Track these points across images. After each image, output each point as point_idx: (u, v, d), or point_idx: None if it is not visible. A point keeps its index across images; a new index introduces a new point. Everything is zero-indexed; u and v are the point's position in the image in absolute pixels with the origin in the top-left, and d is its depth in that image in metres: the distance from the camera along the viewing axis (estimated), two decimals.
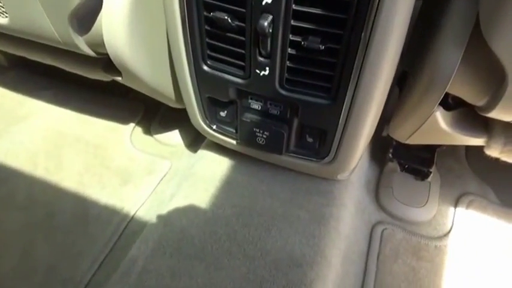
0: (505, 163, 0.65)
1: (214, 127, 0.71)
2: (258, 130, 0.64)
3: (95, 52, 0.65)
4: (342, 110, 0.55)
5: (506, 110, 0.48)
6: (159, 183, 0.91)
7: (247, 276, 0.64)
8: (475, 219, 0.84)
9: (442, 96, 0.50)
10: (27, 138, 1.02)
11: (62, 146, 0.99)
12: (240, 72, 0.57)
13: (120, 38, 0.59)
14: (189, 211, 0.73)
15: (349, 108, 0.54)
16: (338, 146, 0.62)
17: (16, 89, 1.17)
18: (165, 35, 0.61)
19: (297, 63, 0.52)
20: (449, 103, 0.59)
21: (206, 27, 0.54)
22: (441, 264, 0.77)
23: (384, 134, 0.84)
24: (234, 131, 0.69)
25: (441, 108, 0.55)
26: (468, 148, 0.96)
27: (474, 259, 0.78)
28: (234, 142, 0.72)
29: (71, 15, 0.56)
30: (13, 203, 0.87)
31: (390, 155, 0.88)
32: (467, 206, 0.86)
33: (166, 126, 1.03)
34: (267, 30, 0.47)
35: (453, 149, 0.97)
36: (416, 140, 0.67)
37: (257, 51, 0.52)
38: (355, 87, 0.51)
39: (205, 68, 0.59)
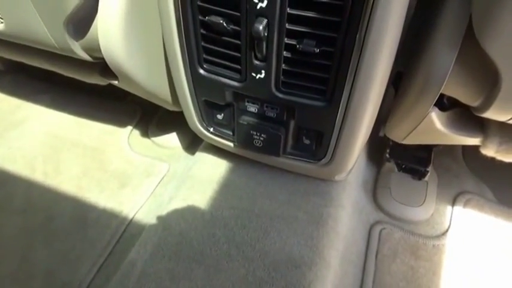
0: (502, 162, 0.65)
1: (211, 130, 0.72)
2: (255, 132, 0.64)
3: (91, 57, 0.65)
4: (338, 112, 0.55)
5: (500, 110, 0.48)
6: (157, 186, 0.92)
7: (246, 278, 0.64)
8: (473, 218, 0.84)
9: (436, 97, 0.50)
10: (24, 142, 1.02)
11: (59, 150, 0.99)
12: (236, 76, 0.57)
13: (116, 42, 0.59)
14: (188, 214, 0.74)
15: (345, 109, 0.54)
16: (335, 147, 0.62)
17: (13, 93, 1.17)
18: (161, 39, 0.61)
19: (293, 66, 0.52)
20: (445, 103, 0.59)
21: (202, 31, 0.54)
22: (439, 263, 0.78)
23: (381, 134, 0.84)
24: (231, 133, 0.70)
25: (436, 108, 0.55)
26: (465, 147, 0.97)
27: (472, 257, 0.78)
28: (231, 144, 0.72)
29: (66, 21, 0.56)
30: (11, 208, 0.87)
31: (387, 155, 0.88)
32: (465, 205, 0.86)
33: (163, 129, 1.03)
34: (262, 34, 0.47)
35: (450, 148, 0.97)
36: (413, 140, 0.67)
37: (253, 54, 0.52)
38: (351, 89, 0.51)
39: (201, 71, 0.59)
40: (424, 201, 0.85)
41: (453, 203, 0.87)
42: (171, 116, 0.90)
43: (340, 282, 0.69)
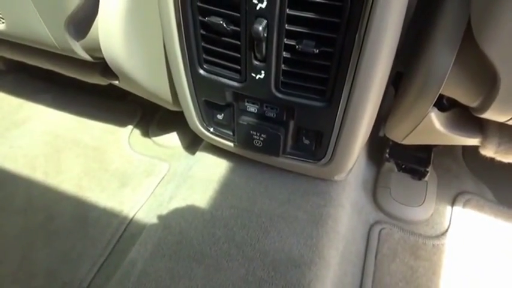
0: (501, 162, 0.65)
1: (211, 130, 0.72)
2: (254, 133, 0.64)
3: (91, 57, 0.66)
4: (337, 112, 0.55)
5: (499, 111, 0.49)
6: (157, 185, 0.92)
7: (246, 277, 0.64)
8: (472, 218, 0.85)
9: (436, 98, 0.51)
10: (25, 142, 1.02)
11: (60, 150, 1.00)
12: (236, 76, 0.57)
13: (116, 42, 0.59)
14: (188, 213, 0.74)
15: (345, 110, 0.54)
16: (334, 147, 0.62)
17: (14, 93, 1.17)
18: (161, 39, 0.62)
19: (292, 67, 0.52)
20: (444, 104, 0.59)
21: (202, 31, 0.54)
22: (439, 262, 0.78)
23: (381, 134, 0.84)
24: (231, 133, 0.70)
25: (436, 109, 0.56)
26: (465, 147, 0.97)
27: (471, 257, 0.79)
28: (231, 144, 0.72)
29: (67, 21, 0.56)
30: (12, 207, 0.87)
31: (387, 155, 0.88)
32: (464, 205, 0.87)
33: (164, 129, 1.04)
34: (261, 35, 0.47)
35: (450, 148, 0.97)
36: (412, 140, 0.68)
37: (252, 55, 0.52)
38: (350, 89, 0.51)
39: (201, 71, 0.60)
40: (423, 201, 0.85)
41: (453, 203, 0.87)
42: (172, 116, 0.91)
43: (339, 282, 0.69)
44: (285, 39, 0.49)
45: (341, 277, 0.70)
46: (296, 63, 0.52)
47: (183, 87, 0.64)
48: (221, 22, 0.50)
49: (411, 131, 0.63)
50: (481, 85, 0.48)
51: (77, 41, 0.62)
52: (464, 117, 0.59)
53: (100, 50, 0.61)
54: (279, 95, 0.56)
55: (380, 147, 0.93)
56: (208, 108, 0.68)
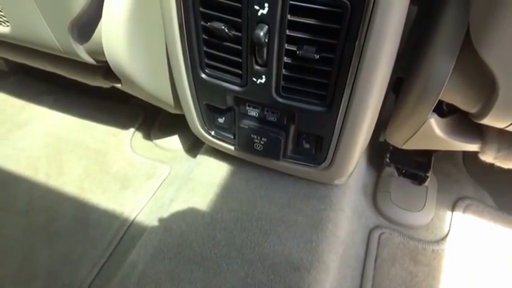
0: (502, 168, 0.65)
1: (212, 133, 0.72)
2: (255, 136, 0.65)
3: (94, 60, 0.66)
4: (337, 117, 0.56)
5: (498, 117, 0.49)
6: (158, 188, 0.92)
7: (246, 280, 0.65)
8: (472, 223, 0.85)
9: (435, 104, 0.51)
10: (28, 143, 1.03)
11: (62, 151, 1.00)
12: (237, 80, 0.58)
13: (119, 46, 0.60)
14: (188, 216, 0.74)
15: (345, 115, 0.55)
16: (334, 151, 0.63)
17: (17, 95, 1.18)
18: (164, 43, 0.62)
19: (293, 72, 0.53)
20: (444, 110, 0.60)
21: (204, 36, 0.55)
22: (438, 268, 0.78)
23: (381, 139, 0.84)
24: (232, 137, 0.70)
25: (435, 115, 0.56)
26: (465, 153, 0.97)
27: (471, 263, 0.79)
28: (232, 148, 0.73)
29: (71, 25, 0.57)
30: (14, 208, 0.88)
31: (387, 159, 0.88)
32: (464, 210, 0.87)
33: (165, 132, 1.04)
34: (263, 40, 0.48)
35: (450, 153, 0.98)
36: (412, 145, 0.68)
37: (254, 60, 0.53)
38: (350, 94, 0.52)
39: (203, 76, 0.60)
40: (423, 206, 0.86)
41: (453, 208, 0.88)
42: (173, 119, 0.91)
43: (338, 286, 0.70)
44: (286, 45, 0.50)
45: (340, 281, 0.71)
46: (297, 68, 0.52)
47: (184, 90, 0.65)
48: (223, 27, 0.50)
49: (411, 136, 0.64)
50: (480, 91, 0.48)
51: (81, 45, 0.62)
52: (463, 123, 0.60)
53: (103, 54, 0.61)
54: (280, 100, 0.57)
55: (380, 152, 0.93)
56: (210, 112, 0.68)
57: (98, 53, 0.63)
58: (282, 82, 0.55)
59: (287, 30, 0.48)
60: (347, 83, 0.51)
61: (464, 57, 0.46)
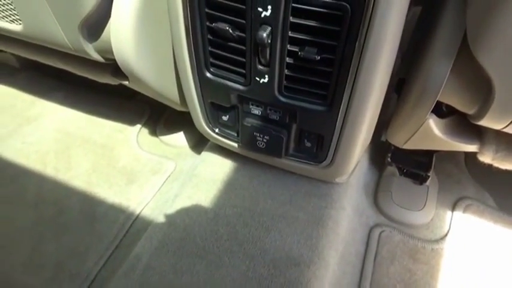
0: (503, 169, 0.66)
1: (216, 130, 0.74)
2: (258, 134, 0.66)
3: (103, 58, 0.68)
4: (337, 117, 0.57)
5: (495, 119, 0.50)
6: (163, 183, 0.94)
7: (247, 274, 0.66)
8: (472, 223, 0.85)
9: (433, 105, 0.52)
10: (37, 138, 1.05)
11: (70, 146, 1.03)
12: (241, 80, 0.59)
13: (128, 45, 0.61)
14: (192, 211, 0.76)
15: (345, 114, 0.56)
16: (335, 150, 0.64)
17: (27, 90, 1.20)
18: (170, 43, 0.64)
19: (295, 72, 0.54)
20: (443, 111, 0.61)
21: (209, 36, 0.56)
22: (437, 266, 0.79)
23: (383, 139, 0.85)
24: (236, 134, 0.72)
25: (434, 115, 0.57)
26: (467, 153, 0.98)
27: (470, 262, 0.79)
28: (236, 145, 0.74)
29: (81, 24, 0.59)
30: (23, 201, 0.90)
31: (389, 159, 0.89)
32: (465, 210, 0.87)
33: (171, 128, 1.06)
34: (266, 41, 0.49)
35: (452, 154, 0.98)
36: (412, 145, 0.69)
37: (257, 60, 0.54)
38: (350, 94, 0.53)
39: (208, 75, 0.62)
40: (424, 205, 0.86)
41: (453, 208, 0.88)
42: (179, 116, 0.93)
43: (337, 282, 0.71)
44: (288, 46, 0.51)
45: (339, 277, 0.72)
46: (298, 68, 0.54)
47: (190, 89, 0.66)
48: (227, 28, 0.52)
49: (411, 137, 0.65)
50: (477, 93, 0.49)
51: (90, 43, 0.64)
52: (462, 124, 0.60)
53: (111, 52, 0.63)
54: (282, 99, 0.58)
55: (382, 152, 0.94)
56: (214, 110, 0.70)
57: (106, 51, 0.65)
58: (284, 82, 0.56)
59: (289, 32, 0.49)
60: (347, 83, 0.52)
61: (462, 61, 0.47)
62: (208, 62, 0.60)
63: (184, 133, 1.04)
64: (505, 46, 0.41)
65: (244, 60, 0.56)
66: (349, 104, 0.54)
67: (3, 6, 0.62)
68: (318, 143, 0.66)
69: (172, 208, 0.77)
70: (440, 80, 0.49)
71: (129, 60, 0.64)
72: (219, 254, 0.69)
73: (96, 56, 0.67)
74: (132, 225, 0.86)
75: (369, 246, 0.82)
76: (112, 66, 0.72)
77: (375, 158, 0.96)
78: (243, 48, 0.54)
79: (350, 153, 0.64)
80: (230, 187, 0.80)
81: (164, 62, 0.70)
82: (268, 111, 0.63)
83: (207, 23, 0.55)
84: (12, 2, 0.61)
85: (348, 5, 0.44)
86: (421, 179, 0.89)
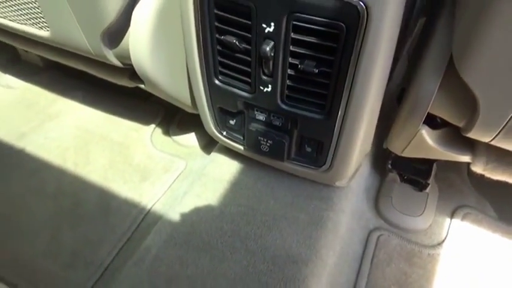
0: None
1: (224, 133, 0.78)
2: (262, 138, 0.70)
3: (121, 63, 0.73)
4: (335, 124, 0.61)
5: (481, 133, 0.53)
6: (174, 181, 0.97)
7: (248, 268, 0.70)
8: (470, 231, 0.86)
9: (423, 117, 0.55)
10: (58, 134, 1.09)
11: (89, 143, 1.06)
12: (247, 88, 0.63)
13: (144, 53, 0.66)
14: (199, 208, 0.80)
15: (342, 122, 0.60)
16: (333, 155, 0.67)
17: (50, 89, 1.25)
18: (183, 52, 0.68)
19: (296, 83, 0.58)
20: (437, 122, 0.64)
21: (218, 47, 0.60)
22: (432, 271, 0.80)
23: (384, 146, 0.88)
24: (242, 137, 0.75)
25: (426, 126, 0.60)
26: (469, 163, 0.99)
27: (465, 269, 0.81)
28: (242, 148, 0.78)
29: (103, 33, 0.64)
30: (44, 193, 0.94)
31: (389, 166, 0.91)
32: (463, 218, 0.89)
33: (183, 129, 1.09)
34: (269, 54, 0.53)
35: (455, 163, 0.99)
36: (410, 153, 0.72)
37: (261, 70, 0.58)
38: (346, 104, 0.57)
39: (217, 82, 0.66)
40: (423, 211, 0.88)
41: (452, 215, 0.89)
42: (191, 118, 0.95)
43: (334, 280, 0.74)
44: (290, 59, 0.55)
45: (336, 276, 0.75)
46: (299, 79, 0.57)
47: (200, 94, 0.70)
48: (235, 41, 0.56)
49: (407, 145, 0.68)
50: (464, 109, 0.52)
51: (110, 50, 0.69)
52: (455, 135, 0.63)
53: (129, 58, 0.68)
54: (284, 107, 0.62)
55: (384, 158, 0.96)
56: (222, 114, 0.74)
57: (124, 57, 0.69)
58: (286, 91, 0.60)
59: (290, 46, 0.53)
60: (343, 94, 0.55)
61: (449, 78, 0.50)
62: (217, 71, 0.64)
63: (196, 134, 1.07)
64: (488, 66, 0.44)
65: (249, 70, 0.60)
66: (345, 113, 0.58)
67: (34, 15, 0.68)
68: (317, 148, 0.69)
69: (181, 205, 0.81)
70: (429, 94, 0.52)
71: (145, 66, 0.68)
72: (223, 249, 0.73)
73: (115, 61, 0.71)
74: (143, 219, 0.89)
75: (367, 248, 0.84)
76: (129, 70, 0.76)
77: (376, 164, 0.98)
78: (249, 59, 0.58)
79: (348, 159, 0.67)
80: (236, 187, 0.83)
81: (177, 69, 0.74)
82: (272, 118, 0.66)
83: (217, 36, 0.58)
84: (42, 11, 0.66)
85: (343, 25, 0.48)
86: (420, 186, 0.90)
